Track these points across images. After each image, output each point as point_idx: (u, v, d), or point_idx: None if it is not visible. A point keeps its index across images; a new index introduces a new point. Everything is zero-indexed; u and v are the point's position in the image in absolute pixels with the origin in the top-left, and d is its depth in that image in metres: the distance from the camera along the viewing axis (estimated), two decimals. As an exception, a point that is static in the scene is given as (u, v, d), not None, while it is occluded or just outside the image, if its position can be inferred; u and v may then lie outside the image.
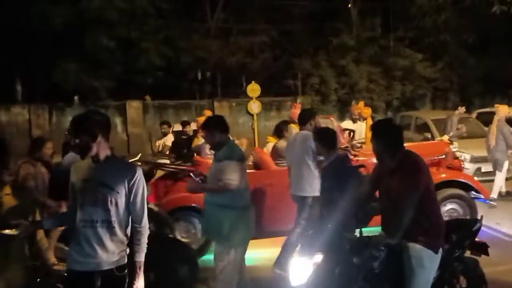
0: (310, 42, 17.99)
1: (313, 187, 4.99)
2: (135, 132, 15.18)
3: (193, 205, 5.69)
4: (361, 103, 9.38)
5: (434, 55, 17.57)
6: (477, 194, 6.44)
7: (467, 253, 3.88)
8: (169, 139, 9.81)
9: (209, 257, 5.15)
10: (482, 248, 3.91)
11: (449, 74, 17.64)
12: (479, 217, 4.08)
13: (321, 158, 4.83)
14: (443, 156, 6.67)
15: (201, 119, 7.40)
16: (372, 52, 17.51)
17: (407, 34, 17.64)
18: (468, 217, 6.19)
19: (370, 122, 8.24)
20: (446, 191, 6.28)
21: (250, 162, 6.21)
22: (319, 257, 3.61)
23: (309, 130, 5.18)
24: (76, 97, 15.28)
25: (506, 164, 8.43)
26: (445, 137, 8.83)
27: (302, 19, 18.48)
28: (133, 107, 15.47)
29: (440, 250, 3.36)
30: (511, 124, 9.25)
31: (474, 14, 16.13)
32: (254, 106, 15.12)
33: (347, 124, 9.03)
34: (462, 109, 10.52)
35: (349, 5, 18.45)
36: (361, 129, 8.78)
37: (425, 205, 3.30)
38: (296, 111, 7.39)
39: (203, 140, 6.76)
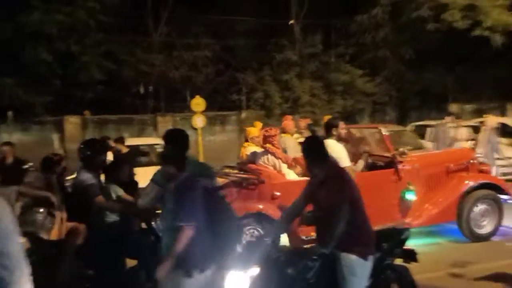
0: (254, 57, 18.21)
1: None
2: (73, 148, 14.62)
3: (261, 212, 5.86)
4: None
5: (373, 70, 18.25)
6: (504, 195, 6.89)
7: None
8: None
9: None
10: (412, 255, 4.01)
11: (387, 88, 18.34)
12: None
13: None
14: (472, 161, 7.09)
15: (251, 130, 7.45)
16: (314, 67, 17.95)
17: (348, 50, 18.24)
18: (497, 216, 6.73)
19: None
20: (478, 193, 6.70)
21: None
22: (255, 270, 3.59)
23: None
24: (10, 113, 14.60)
25: (494, 170, 8.85)
26: (469, 144, 9.34)
27: (246, 34, 18.69)
28: (72, 122, 14.93)
29: (371, 257, 3.48)
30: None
31: (411, 30, 16.99)
32: (199, 121, 14.94)
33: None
34: (451, 118, 11.07)
35: (291, 22, 18.85)
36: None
37: (353, 215, 3.43)
38: (288, 122, 7.65)
39: (252, 149, 6.91)
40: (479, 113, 18.56)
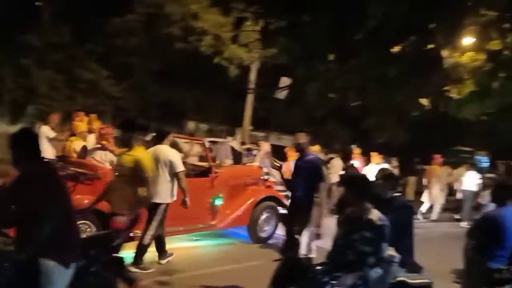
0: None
1: (167, 195, 5.99)
2: None
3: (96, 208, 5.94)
4: (94, 116, 8.96)
5: (120, 75, 18.17)
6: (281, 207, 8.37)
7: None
8: None
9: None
10: (119, 263, 4.13)
11: (132, 95, 18.53)
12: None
13: None
14: (262, 177, 8.65)
15: (80, 125, 7.60)
16: (59, 58, 16.79)
17: (97, 49, 17.69)
18: (275, 223, 8.16)
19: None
20: (265, 203, 8.11)
21: None
22: None
23: (167, 145, 6.13)
24: None
25: None
26: (256, 163, 10.63)
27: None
28: None
29: (73, 265, 3.36)
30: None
31: (161, 45, 17.67)
32: None
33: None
34: (232, 138, 12.29)
35: (38, 3, 17.29)
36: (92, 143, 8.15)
37: (60, 219, 3.27)
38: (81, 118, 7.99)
39: (81, 144, 7.15)
40: (211, 133, 20.56)
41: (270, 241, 8.08)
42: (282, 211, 8.56)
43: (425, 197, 12.80)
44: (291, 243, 5.51)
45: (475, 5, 2.71)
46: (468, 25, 3.08)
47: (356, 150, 11.63)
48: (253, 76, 18.53)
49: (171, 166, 5.97)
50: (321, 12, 2.71)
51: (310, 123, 23.59)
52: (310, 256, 7.07)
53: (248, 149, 13.43)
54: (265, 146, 11.59)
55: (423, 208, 12.65)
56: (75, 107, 16.41)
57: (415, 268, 4.20)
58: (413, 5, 2.53)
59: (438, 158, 13.10)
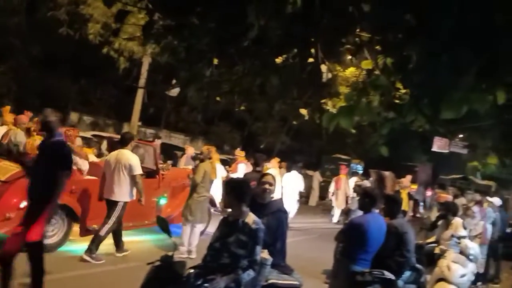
0: None
1: (126, 194, 6.82)
2: None
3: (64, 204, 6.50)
4: (7, 108, 8.90)
5: (-4, 56, 16.63)
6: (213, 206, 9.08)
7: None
8: None
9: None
10: None
11: (8, 80, 17.02)
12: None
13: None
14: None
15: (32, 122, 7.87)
16: None
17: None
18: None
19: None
20: None
21: None
22: None
23: (129, 149, 6.90)
24: None
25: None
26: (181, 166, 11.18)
27: None
28: None
29: None
30: None
31: (45, 28, 16.33)
32: None
33: None
34: (159, 141, 12.56)
35: None
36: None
37: None
38: (24, 116, 8.12)
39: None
40: (95, 126, 19.63)
41: (202, 237, 8.05)
42: (213, 211, 9.24)
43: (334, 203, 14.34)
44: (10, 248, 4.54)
45: (350, 25, 2.91)
46: (346, 43, 3.30)
47: (240, 153, 11.90)
48: (144, 70, 17.91)
49: (130, 169, 6.73)
50: (208, 17, 2.70)
51: (199, 124, 23.72)
52: (191, 256, 7.11)
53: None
54: (190, 150, 12.37)
55: (335, 214, 14.18)
56: None
57: (286, 270, 4.36)
58: (292, 19, 2.64)
59: (344, 168, 14.55)
